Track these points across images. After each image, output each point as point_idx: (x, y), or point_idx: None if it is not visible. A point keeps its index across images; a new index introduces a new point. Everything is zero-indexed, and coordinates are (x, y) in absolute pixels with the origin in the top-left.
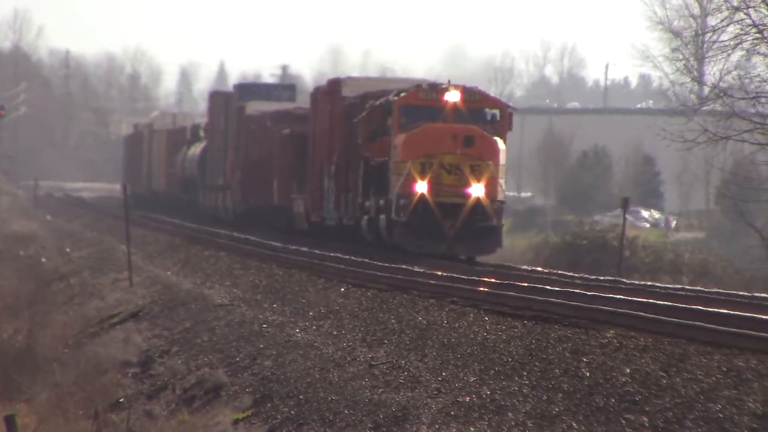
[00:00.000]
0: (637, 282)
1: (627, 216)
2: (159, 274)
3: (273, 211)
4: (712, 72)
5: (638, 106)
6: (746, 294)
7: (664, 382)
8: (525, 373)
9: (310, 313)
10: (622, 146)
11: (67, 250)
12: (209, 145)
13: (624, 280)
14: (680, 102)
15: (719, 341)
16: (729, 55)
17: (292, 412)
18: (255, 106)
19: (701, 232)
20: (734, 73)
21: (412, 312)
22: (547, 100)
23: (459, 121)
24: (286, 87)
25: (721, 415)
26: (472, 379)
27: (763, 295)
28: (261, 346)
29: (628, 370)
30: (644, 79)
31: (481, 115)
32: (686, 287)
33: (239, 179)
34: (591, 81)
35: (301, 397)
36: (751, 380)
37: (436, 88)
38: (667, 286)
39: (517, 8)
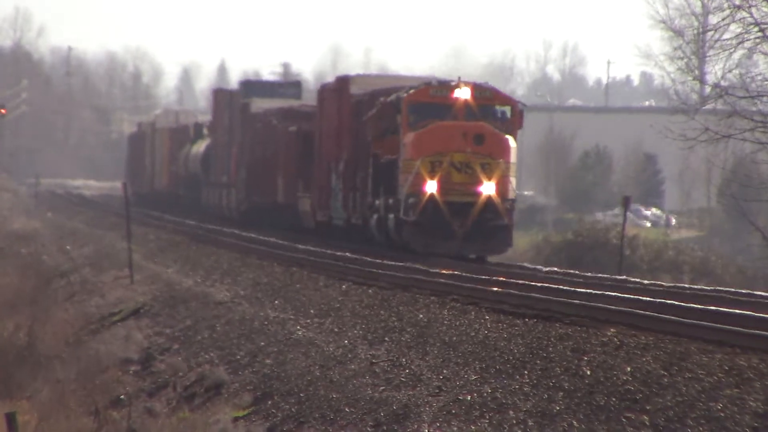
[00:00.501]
0: (659, 282)
1: (627, 214)
2: (160, 271)
3: (278, 210)
4: (713, 71)
5: (640, 105)
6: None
7: (666, 380)
8: (526, 372)
9: (311, 311)
10: (623, 145)
11: (68, 247)
12: (213, 143)
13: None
14: (682, 100)
15: (721, 340)
16: (730, 53)
17: (293, 410)
18: (260, 104)
19: (702, 230)
20: (736, 71)
21: (413, 310)
22: (549, 98)
23: (469, 119)
24: (291, 84)
25: (722, 414)
26: (473, 378)
27: (764, 293)
28: (262, 343)
29: (629, 369)
30: (646, 78)
31: (492, 113)
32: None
33: (243, 177)
34: (592, 79)
35: (301, 394)
36: (753, 379)
37: (445, 85)
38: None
39: (518, 6)
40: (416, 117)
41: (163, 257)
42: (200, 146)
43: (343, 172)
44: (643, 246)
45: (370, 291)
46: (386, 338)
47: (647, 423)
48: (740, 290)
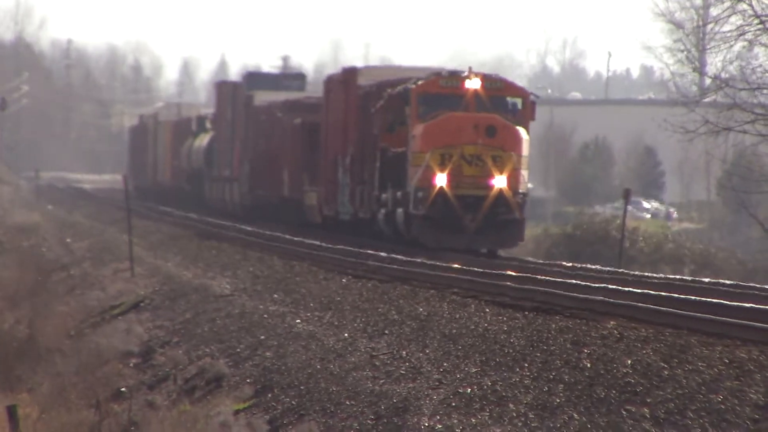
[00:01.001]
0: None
1: (628, 207)
2: (160, 264)
3: (283, 204)
4: (713, 63)
5: (640, 97)
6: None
7: (666, 373)
8: (526, 364)
9: (311, 304)
10: (623, 137)
11: (69, 240)
12: (216, 136)
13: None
14: (682, 93)
15: (721, 332)
16: (731, 45)
17: (293, 403)
18: (264, 96)
19: (702, 223)
20: (736, 63)
21: (413, 303)
22: (549, 91)
23: (480, 110)
24: (295, 76)
25: (722, 407)
26: (473, 370)
27: (765, 285)
28: (262, 336)
29: (629, 362)
30: (646, 70)
31: (503, 104)
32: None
33: (247, 171)
34: (593, 72)
35: (302, 387)
36: (753, 371)
37: (456, 76)
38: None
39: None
40: (426, 108)
41: (164, 250)
42: (203, 140)
43: (350, 166)
44: (643, 239)
45: (369, 284)
46: (386, 331)
47: (648, 415)
48: (741, 282)
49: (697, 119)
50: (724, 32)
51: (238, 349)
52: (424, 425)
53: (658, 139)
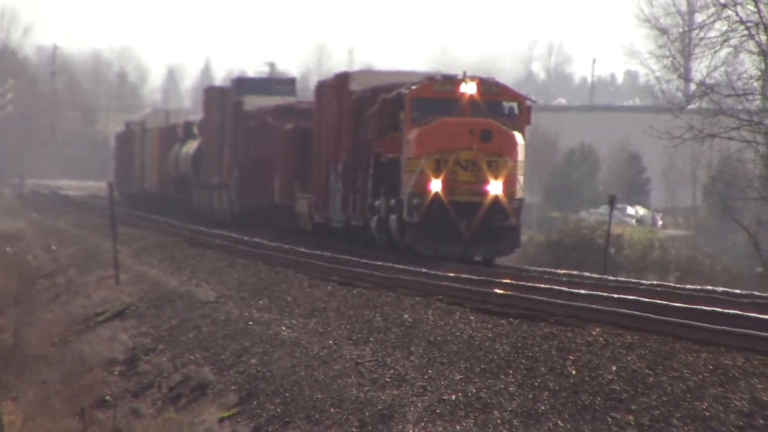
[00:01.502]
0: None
1: (613, 213)
2: (146, 272)
3: (273, 211)
4: (699, 69)
5: (625, 103)
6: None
7: (651, 380)
8: (511, 371)
9: (297, 311)
10: (609, 143)
11: (53, 248)
12: (204, 143)
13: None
14: (667, 99)
15: (706, 339)
16: (716, 52)
17: (278, 410)
18: (254, 101)
19: (688, 229)
20: (721, 69)
21: (398, 310)
22: (534, 97)
23: (475, 115)
24: (286, 81)
25: (707, 413)
26: (458, 377)
27: (750, 292)
28: (247, 343)
29: (614, 368)
30: (631, 76)
31: (499, 109)
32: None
33: (236, 178)
34: (578, 77)
35: (287, 395)
36: (738, 378)
37: (450, 80)
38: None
39: (503, 5)
40: (420, 113)
41: (149, 257)
42: (191, 146)
43: (343, 172)
44: (629, 245)
45: (354, 291)
46: (371, 338)
47: (632, 422)
48: (727, 289)
49: (682, 125)
50: (709, 38)
51: (223, 357)
52: None
53: (643, 145)
